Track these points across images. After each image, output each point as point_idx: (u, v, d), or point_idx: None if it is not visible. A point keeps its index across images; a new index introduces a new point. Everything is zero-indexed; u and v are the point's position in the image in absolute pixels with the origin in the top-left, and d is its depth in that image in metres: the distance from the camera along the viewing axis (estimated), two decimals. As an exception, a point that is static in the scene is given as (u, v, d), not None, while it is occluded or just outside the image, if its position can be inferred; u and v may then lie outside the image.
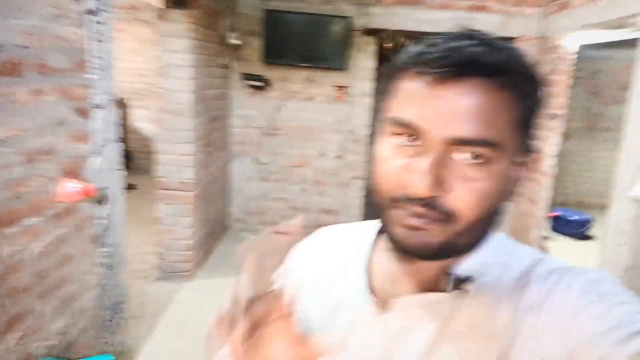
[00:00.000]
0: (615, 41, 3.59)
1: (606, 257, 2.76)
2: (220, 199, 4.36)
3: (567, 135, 4.68)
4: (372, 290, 0.62)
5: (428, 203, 0.50)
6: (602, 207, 6.85)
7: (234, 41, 4.14)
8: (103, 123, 2.06)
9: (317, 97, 4.44)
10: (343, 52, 4.22)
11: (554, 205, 4.06)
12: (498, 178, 0.51)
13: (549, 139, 3.87)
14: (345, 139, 4.50)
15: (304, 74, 4.38)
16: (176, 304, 3.27)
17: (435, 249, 0.52)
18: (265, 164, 4.55)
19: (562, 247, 4.67)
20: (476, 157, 0.50)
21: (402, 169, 0.52)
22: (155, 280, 3.57)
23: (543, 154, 0.68)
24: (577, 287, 0.51)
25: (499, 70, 0.49)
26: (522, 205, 4.23)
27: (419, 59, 0.51)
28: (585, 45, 3.79)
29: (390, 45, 4.24)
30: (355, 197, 4.61)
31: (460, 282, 0.56)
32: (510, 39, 4.17)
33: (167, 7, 3.17)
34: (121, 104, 6.23)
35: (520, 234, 4.19)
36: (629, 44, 3.21)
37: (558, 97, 3.82)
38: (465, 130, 0.48)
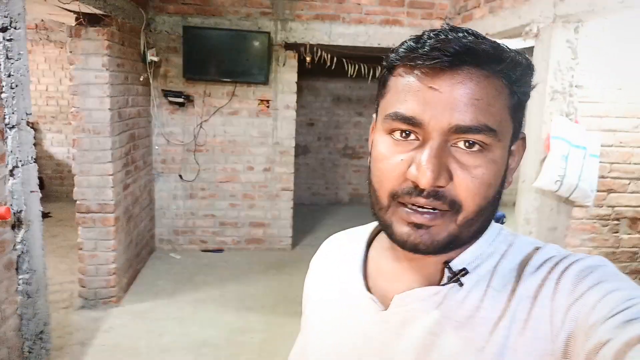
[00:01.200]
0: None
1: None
2: (145, 219, 4.21)
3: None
4: (370, 289, 0.63)
5: (432, 194, 0.51)
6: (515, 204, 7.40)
7: (152, 58, 4.06)
8: (17, 143, 1.94)
9: (241, 111, 4.44)
10: (265, 66, 4.27)
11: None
12: (497, 165, 0.52)
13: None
14: (272, 151, 4.53)
15: (227, 88, 4.37)
16: (104, 331, 3.10)
17: (441, 245, 0.53)
18: (191, 180, 4.46)
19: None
20: (475, 144, 0.51)
21: (403, 163, 0.52)
22: (78, 309, 3.36)
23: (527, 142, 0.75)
24: (571, 275, 0.51)
25: (490, 58, 0.50)
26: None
27: (412, 54, 0.51)
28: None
29: (309, 59, 4.34)
30: (285, 209, 4.64)
31: (455, 274, 0.56)
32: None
33: (82, 24, 3.06)
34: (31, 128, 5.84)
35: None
36: (527, 52, 3.53)
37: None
38: (465, 118, 0.49)
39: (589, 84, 2.83)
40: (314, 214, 6.14)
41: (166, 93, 4.28)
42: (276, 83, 4.42)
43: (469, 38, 0.50)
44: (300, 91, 6.38)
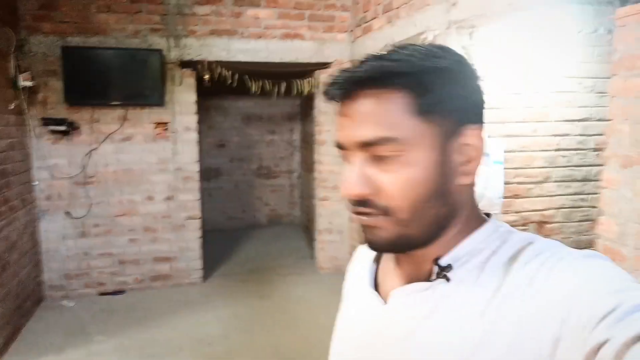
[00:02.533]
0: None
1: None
2: (28, 265, 3.68)
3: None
4: (378, 286, 0.70)
5: (362, 202, 0.58)
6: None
7: (26, 83, 3.60)
8: None
9: (135, 137, 4.05)
10: (159, 86, 3.94)
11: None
12: (419, 165, 0.56)
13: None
14: (173, 178, 4.17)
15: (118, 112, 3.98)
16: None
17: (390, 242, 0.59)
18: (82, 217, 3.99)
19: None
20: (385, 153, 0.56)
21: (343, 179, 0.60)
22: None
23: (484, 131, 0.66)
24: (560, 271, 0.51)
25: (382, 78, 0.55)
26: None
27: (329, 91, 0.60)
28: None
29: (208, 77, 4.06)
30: (193, 239, 4.28)
31: (442, 270, 0.59)
32: (327, 64, 4.31)
33: None
34: None
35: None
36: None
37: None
38: (364, 133, 0.56)
39: (487, 89, 2.79)
40: (230, 240, 5.80)
41: (46, 121, 3.81)
42: (173, 104, 4.08)
43: (367, 65, 0.56)
44: (207, 111, 6.06)
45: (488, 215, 0.65)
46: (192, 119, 4.17)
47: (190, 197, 4.23)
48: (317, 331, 3.40)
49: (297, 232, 6.26)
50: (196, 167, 4.23)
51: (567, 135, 2.95)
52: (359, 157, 0.58)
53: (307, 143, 5.67)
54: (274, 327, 3.54)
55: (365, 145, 0.56)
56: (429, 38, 2.84)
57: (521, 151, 2.89)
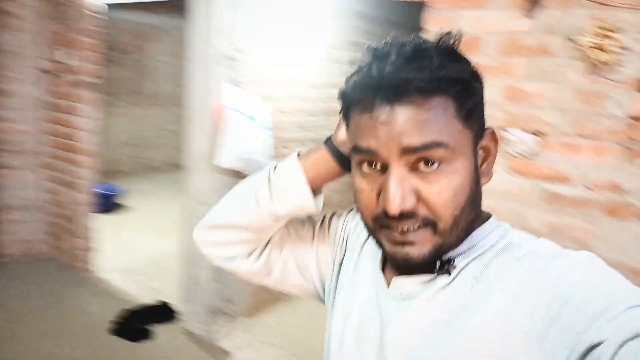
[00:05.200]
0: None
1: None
2: None
3: (107, 105, 3.93)
4: (384, 270, 0.68)
5: (404, 216, 0.55)
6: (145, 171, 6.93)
7: None
8: None
9: None
10: None
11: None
12: (461, 173, 0.56)
13: (85, 111, 3.31)
14: None
15: None
16: None
17: (428, 255, 0.57)
18: None
19: (108, 226, 4.17)
20: (434, 163, 0.54)
21: (374, 193, 0.58)
22: None
23: (496, 132, 0.58)
24: (557, 271, 0.52)
25: (426, 83, 0.53)
26: (62, 195, 3.53)
27: (357, 97, 0.57)
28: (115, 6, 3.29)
29: None
30: None
31: (444, 265, 0.60)
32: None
33: None
34: None
35: (66, 229, 3.52)
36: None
37: (90, 62, 3.27)
38: (412, 140, 0.53)
39: (250, 49, 2.67)
40: None
41: None
42: None
43: (409, 67, 0.53)
44: None
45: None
46: None
47: None
48: None
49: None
50: None
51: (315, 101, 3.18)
52: (399, 168, 0.55)
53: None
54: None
55: (412, 152, 0.54)
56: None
57: (282, 114, 2.93)
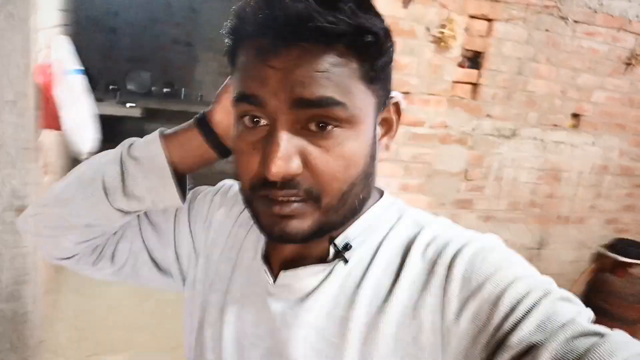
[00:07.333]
0: None
1: None
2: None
3: None
4: (268, 258, 0.59)
5: (285, 184, 0.46)
6: None
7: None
8: None
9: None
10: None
11: None
12: (359, 141, 0.48)
13: None
14: None
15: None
16: None
17: (307, 233, 0.49)
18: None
19: None
20: (328, 125, 0.46)
21: (255, 153, 0.48)
22: None
23: (400, 103, 0.57)
24: (464, 261, 0.48)
25: (329, 29, 0.43)
26: None
27: (243, 30, 0.48)
28: None
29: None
30: None
31: (339, 251, 0.54)
32: None
33: None
34: None
35: None
36: None
37: None
38: (306, 91, 0.44)
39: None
40: None
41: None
42: None
43: (310, 4, 0.43)
44: None
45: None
46: None
47: None
48: None
49: None
50: None
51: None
52: (287, 124, 0.46)
53: None
54: None
55: (305, 106, 0.45)
56: None
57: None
